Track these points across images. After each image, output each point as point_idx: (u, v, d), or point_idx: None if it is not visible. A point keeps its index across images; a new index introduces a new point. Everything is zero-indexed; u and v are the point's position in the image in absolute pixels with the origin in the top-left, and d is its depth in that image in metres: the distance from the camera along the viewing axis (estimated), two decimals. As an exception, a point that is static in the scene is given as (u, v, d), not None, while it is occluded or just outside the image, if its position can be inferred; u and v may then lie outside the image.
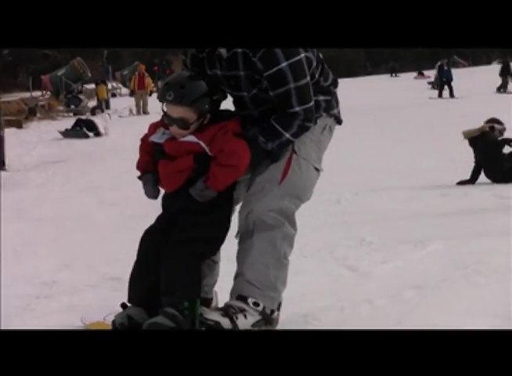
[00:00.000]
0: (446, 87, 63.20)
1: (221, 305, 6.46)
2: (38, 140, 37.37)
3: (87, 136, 39.26)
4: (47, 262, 12.02)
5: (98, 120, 43.40)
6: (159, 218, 6.28)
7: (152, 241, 6.15)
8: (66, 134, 39.81)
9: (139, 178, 6.30)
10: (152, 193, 6.21)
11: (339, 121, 6.56)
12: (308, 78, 6.07)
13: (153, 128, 6.27)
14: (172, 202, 6.19)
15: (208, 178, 5.94)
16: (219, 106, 6.28)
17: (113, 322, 6.15)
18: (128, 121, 45.86)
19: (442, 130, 22.72)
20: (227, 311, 5.83)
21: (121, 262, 10.84)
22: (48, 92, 61.57)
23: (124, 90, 68.45)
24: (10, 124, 39.29)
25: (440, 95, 61.16)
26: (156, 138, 6.11)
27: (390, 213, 14.68)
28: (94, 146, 33.19)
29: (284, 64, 5.83)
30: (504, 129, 19.71)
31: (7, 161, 26.99)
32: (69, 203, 19.22)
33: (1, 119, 29.09)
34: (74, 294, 10.11)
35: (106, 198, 12.73)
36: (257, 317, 5.90)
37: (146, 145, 6.29)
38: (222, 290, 6.83)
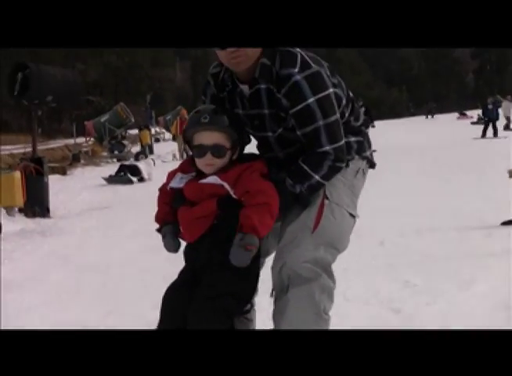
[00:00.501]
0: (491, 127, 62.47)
1: None
2: (82, 187, 37.52)
3: (131, 182, 39.57)
4: (92, 310, 12.09)
5: (142, 165, 43.74)
6: (182, 273, 6.05)
7: (176, 300, 5.84)
8: (110, 180, 39.96)
9: (158, 230, 6.09)
10: (172, 246, 5.96)
11: (372, 165, 6.33)
12: (338, 115, 5.83)
13: (172, 175, 6.08)
14: (195, 254, 5.90)
15: (242, 226, 5.55)
16: (244, 149, 6.06)
17: None
18: (172, 166, 45.87)
19: (486, 170, 22.77)
20: None
21: None
22: (92, 138, 62.03)
23: (168, 135, 68.94)
24: (54, 170, 39.47)
25: (484, 135, 60.72)
26: (175, 183, 5.91)
27: (434, 254, 14.37)
28: (138, 192, 33.58)
29: (312, 100, 5.58)
30: None
31: (51, 208, 27.04)
32: (113, 249, 18.86)
33: (45, 166, 28.95)
34: None
35: (150, 244, 12.94)
36: None
37: (165, 195, 6.11)
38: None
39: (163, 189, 6.05)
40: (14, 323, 11.46)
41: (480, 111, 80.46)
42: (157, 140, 68.85)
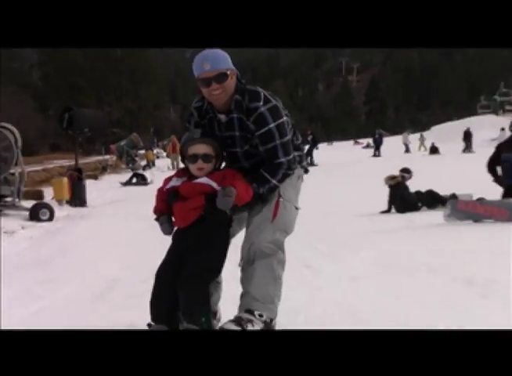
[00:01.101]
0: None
1: (223, 315, 6.16)
2: (108, 187, 37.68)
3: (140, 185, 39.31)
4: (114, 264, 12.25)
5: (147, 174, 43.98)
6: (169, 252, 5.75)
7: (166, 272, 5.56)
8: (126, 183, 40.04)
9: (156, 219, 5.89)
10: (168, 230, 5.73)
11: (306, 171, 6.19)
12: (290, 136, 5.71)
13: (167, 180, 5.86)
14: (183, 238, 5.65)
15: (224, 186, 5.48)
16: (221, 163, 5.92)
17: None
18: (167, 174, 46.01)
19: (372, 178, 23.25)
20: (239, 322, 5.29)
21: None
22: (115, 156, 62.04)
23: (164, 154, 68.95)
24: (90, 176, 39.30)
25: (374, 155, 61.40)
26: (173, 183, 5.70)
27: (335, 231, 14.64)
28: (144, 191, 32.81)
29: (272, 125, 5.45)
30: (410, 177, 19.43)
31: (87, 201, 27.53)
32: (126, 227, 19.02)
33: (83, 174, 29.17)
34: (132, 286, 10.06)
35: (151, 225, 12.88)
36: (261, 325, 5.38)
37: (161, 194, 5.86)
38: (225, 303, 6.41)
39: (160, 190, 5.87)
40: (66, 273, 12.05)
41: (369, 139, 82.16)
42: (157, 157, 68.66)
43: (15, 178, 21.49)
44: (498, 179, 15.63)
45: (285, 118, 5.59)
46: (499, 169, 15.62)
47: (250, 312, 5.34)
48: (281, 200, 5.66)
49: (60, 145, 64.84)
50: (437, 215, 15.73)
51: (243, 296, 5.54)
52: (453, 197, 16.91)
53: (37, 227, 19.63)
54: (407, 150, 65.30)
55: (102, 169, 52.79)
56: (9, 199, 21.40)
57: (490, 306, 7.25)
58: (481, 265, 9.52)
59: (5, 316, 8.00)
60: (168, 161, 57.03)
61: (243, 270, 5.59)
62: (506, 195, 15.02)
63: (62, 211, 23.47)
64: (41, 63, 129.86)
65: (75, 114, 29.45)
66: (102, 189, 34.73)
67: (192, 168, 5.54)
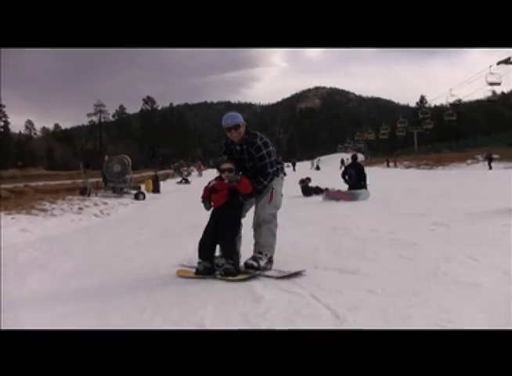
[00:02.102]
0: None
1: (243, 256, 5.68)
2: (170, 185, 35.39)
3: (185, 183, 37.79)
4: (174, 222, 11.73)
5: (189, 178, 41.88)
6: (209, 221, 5.57)
7: (209, 229, 5.45)
8: (178, 183, 38.16)
9: (202, 202, 5.68)
10: (208, 208, 5.60)
11: (285, 174, 6.03)
12: (274, 157, 5.66)
13: (209, 183, 5.72)
14: (216, 213, 5.51)
15: (240, 180, 5.51)
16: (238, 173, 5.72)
17: (197, 269, 5.39)
18: (197, 179, 45.00)
19: (293, 180, 22.30)
20: (255, 258, 5.38)
21: (200, 218, 11.57)
22: (173, 169, 60.90)
23: (195, 170, 66.39)
24: (162, 179, 38.49)
25: (293, 170, 56.03)
26: (213, 182, 5.62)
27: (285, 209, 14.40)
28: (187, 187, 32.53)
29: (264, 151, 5.51)
30: (310, 180, 18.28)
31: (161, 191, 26.51)
32: (180, 204, 18.66)
33: (159, 178, 28.61)
34: (181, 231, 10.26)
35: (193, 204, 12.38)
36: (266, 260, 5.42)
37: (206, 189, 5.65)
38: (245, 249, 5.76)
39: (206, 187, 5.68)
40: (150, 224, 12.12)
41: (289, 163, 67.95)
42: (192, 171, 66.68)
43: (128, 180, 22.56)
44: (346, 182, 16.62)
45: (271, 148, 5.59)
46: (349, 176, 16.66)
47: (261, 253, 5.45)
48: (273, 190, 5.65)
49: (148, 165, 63.77)
50: (319, 198, 15.86)
51: (256, 244, 5.58)
52: (327, 189, 16.79)
53: (137, 203, 19.67)
54: (312, 167, 62.77)
55: (168, 176, 52.60)
56: (125, 189, 21.99)
57: (343, 237, 7.56)
58: (339, 220, 9.78)
59: (120, 245, 8.17)
60: (196, 173, 56.79)
61: (255, 230, 5.62)
62: (349, 189, 16.14)
63: (148, 195, 22.80)
64: (140, 127, 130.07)
65: (155, 151, 30.56)
66: (167, 186, 32.92)
67: (222, 176, 5.57)
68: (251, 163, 5.61)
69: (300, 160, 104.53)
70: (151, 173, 37.26)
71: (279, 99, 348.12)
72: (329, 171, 52.21)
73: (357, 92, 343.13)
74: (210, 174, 48.55)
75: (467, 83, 60.25)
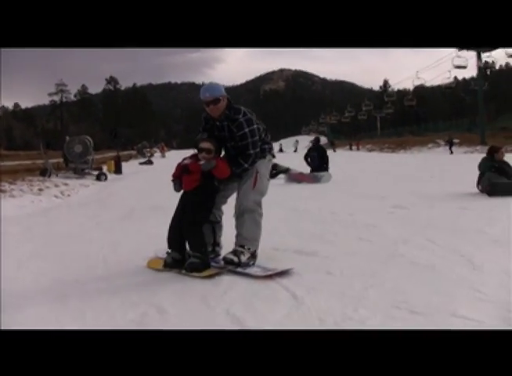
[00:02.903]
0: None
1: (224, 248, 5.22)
2: (133, 165, 35.08)
3: (148, 164, 37.56)
4: (136, 202, 11.82)
5: (152, 159, 41.50)
6: (178, 206, 5.02)
7: (178, 216, 4.90)
8: (141, 164, 37.97)
9: (172, 181, 5.10)
10: (178, 189, 5.02)
11: (273, 156, 5.36)
12: (257, 137, 4.97)
13: (183, 159, 5.11)
14: (187, 197, 4.94)
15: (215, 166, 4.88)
16: (220, 153, 5.14)
17: (165, 261, 4.90)
18: (160, 160, 44.65)
19: None
20: (235, 253, 4.77)
21: (162, 200, 11.41)
22: (136, 151, 60.52)
23: (158, 151, 65.41)
24: (124, 160, 38.04)
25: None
26: (186, 160, 5.01)
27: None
28: (150, 168, 32.49)
29: (246, 130, 4.87)
30: (289, 169, 16.98)
31: (123, 172, 26.42)
32: (142, 184, 18.67)
33: (121, 159, 28.54)
34: (143, 211, 10.45)
35: (153, 183, 12.36)
36: (249, 255, 4.80)
37: (179, 167, 5.06)
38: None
39: (178, 164, 5.10)
40: (111, 205, 12.21)
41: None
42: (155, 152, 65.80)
43: (89, 161, 22.44)
44: (308, 164, 16.79)
45: (255, 126, 4.96)
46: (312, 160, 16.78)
47: (242, 246, 4.84)
48: (258, 174, 5.01)
49: (111, 146, 63.16)
50: (281, 180, 15.63)
51: (237, 236, 4.98)
52: (288, 170, 16.66)
53: (98, 184, 19.59)
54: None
55: (130, 157, 52.06)
56: (86, 170, 21.84)
57: (304, 219, 7.68)
58: (300, 202, 9.88)
59: (80, 227, 8.15)
60: (160, 154, 56.08)
61: (236, 219, 5.00)
62: (311, 171, 16.30)
63: (110, 176, 22.90)
64: (103, 107, 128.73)
65: (118, 131, 30.21)
66: (130, 166, 32.54)
67: (199, 156, 4.96)
68: (232, 142, 5.03)
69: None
70: (113, 154, 36.88)
71: (243, 80, 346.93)
72: (291, 153, 52.25)
73: (321, 75, 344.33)
74: (174, 155, 48.10)
75: (433, 66, 60.81)
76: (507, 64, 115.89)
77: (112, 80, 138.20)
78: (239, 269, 4.70)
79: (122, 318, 3.58)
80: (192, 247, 4.81)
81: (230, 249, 4.93)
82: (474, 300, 3.64)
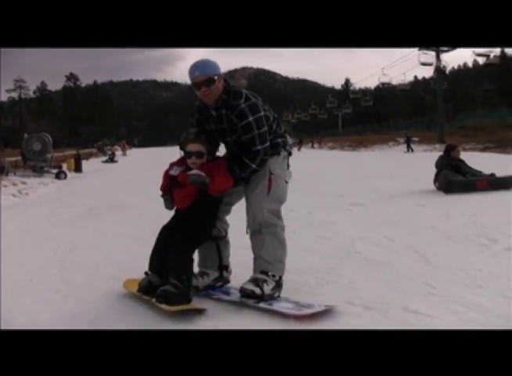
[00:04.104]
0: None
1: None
2: (94, 164, 34.28)
3: (115, 162, 37.59)
4: (95, 201, 11.73)
5: (116, 158, 41.12)
6: (171, 219, 4.00)
7: (165, 233, 3.89)
8: (104, 162, 37.67)
9: (162, 196, 4.08)
10: (170, 207, 4.00)
11: (290, 153, 4.25)
12: (266, 128, 3.87)
13: (171, 165, 4.06)
14: (180, 215, 3.92)
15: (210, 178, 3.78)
16: (216, 152, 4.09)
17: (139, 283, 3.85)
18: (122, 158, 44.32)
19: None
20: (256, 282, 3.72)
21: (122, 199, 11.55)
22: (96, 150, 59.76)
23: (119, 149, 65.01)
24: (84, 158, 37.74)
25: None
26: (173, 171, 3.97)
27: None
28: (112, 166, 32.20)
29: (251, 119, 3.77)
30: None
31: (83, 170, 25.91)
32: (101, 183, 18.38)
33: (81, 157, 28.31)
34: (102, 210, 10.59)
35: (114, 181, 12.20)
36: (273, 284, 3.78)
37: (166, 176, 4.06)
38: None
39: (166, 172, 4.08)
40: (70, 204, 12.15)
41: None
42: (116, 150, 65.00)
43: (48, 159, 22.16)
44: None
45: (262, 113, 3.88)
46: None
47: (265, 273, 3.81)
48: (272, 176, 3.96)
49: (71, 144, 62.03)
50: None
51: (256, 259, 3.93)
52: None
53: (58, 182, 19.25)
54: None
55: (91, 155, 51.56)
56: (45, 168, 21.55)
57: None
58: None
59: (37, 226, 8.03)
60: (121, 152, 54.85)
61: (252, 238, 3.95)
62: None
63: (70, 175, 22.50)
64: (63, 105, 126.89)
65: (77, 129, 29.68)
66: (91, 165, 32.13)
67: (188, 161, 3.93)
68: (234, 136, 3.98)
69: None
70: (73, 152, 36.48)
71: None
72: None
73: (283, 74, 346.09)
74: (135, 153, 47.91)
75: (395, 65, 61.47)
76: (465, 64, 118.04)
77: (72, 77, 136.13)
78: (262, 305, 3.63)
79: (78, 318, 3.52)
80: (172, 270, 3.68)
81: (236, 274, 4.16)
82: (425, 295, 3.72)
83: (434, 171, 10.78)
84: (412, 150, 39.06)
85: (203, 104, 3.99)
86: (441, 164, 10.73)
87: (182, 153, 3.99)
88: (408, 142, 40.25)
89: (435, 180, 10.69)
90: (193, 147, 3.89)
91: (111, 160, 39.29)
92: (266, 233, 3.85)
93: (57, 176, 20.77)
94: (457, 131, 45.30)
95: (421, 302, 3.51)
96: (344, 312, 3.43)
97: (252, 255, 3.94)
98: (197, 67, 3.82)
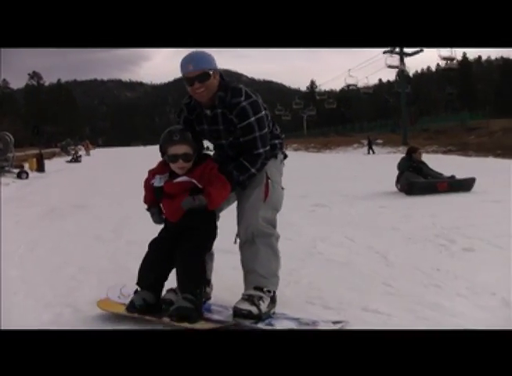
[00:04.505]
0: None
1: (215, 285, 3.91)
2: (58, 163, 34.01)
3: (79, 162, 37.46)
4: (54, 200, 11.91)
5: (80, 158, 40.59)
6: (161, 232, 3.57)
7: (161, 246, 3.46)
8: (68, 162, 37.55)
9: (147, 209, 3.63)
10: (159, 221, 3.57)
11: (285, 156, 3.90)
12: (267, 129, 3.56)
13: (152, 173, 3.60)
14: (175, 228, 3.46)
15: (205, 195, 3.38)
16: (201, 152, 3.59)
17: (132, 302, 3.34)
18: (85, 158, 44.05)
19: None
20: (252, 300, 3.30)
21: (85, 198, 11.45)
22: (60, 149, 58.92)
23: (83, 148, 64.20)
24: (46, 157, 37.16)
25: None
26: (156, 182, 3.49)
27: None
28: (77, 165, 31.92)
29: (252, 119, 3.42)
30: None
31: (46, 170, 25.91)
32: (63, 182, 18.28)
33: (43, 157, 28.18)
34: (65, 209, 10.42)
35: (73, 180, 12.24)
36: (269, 300, 3.41)
37: (148, 186, 3.59)
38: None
39: (147, 182, 3.62)
40: (32, 204, 11.96)
41: None
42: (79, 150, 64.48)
43: (10, 158, 21.88)
44: None
45: (264, 112, 3.55)
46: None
47: (260, 289, 3.43)
48: (270, 181, 3.58)
49: (34, 143, 61.03)
50: None
51: (249, 273, 3.53)
52: None
53: (19, 182, 19.14)
54: None
55: (53, 155, 50.82)
56: (6, 168, 21.30)
57: (226, 218, 7.90)
58: None
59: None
60: (84, 152, 54.16)
61: (243, 249, 3.57)
62: None
63: (32, 175, 22.46)
64: (25, 103, 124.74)
65: (39, 128, 29.24)
66: (54, 164, 31.97)
67: (174, 166, 3.46)
68: (231, 137, 3.62)
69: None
70: (35, 151, 36.03)
71: (171, 78, 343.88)
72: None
73: (249, 75, 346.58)
74: (99, 153, 47.46)
75: (362, 66, 62.17)
76: (429, 68, 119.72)
77: (35, 75, 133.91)
78: (261, 325, 3.23)
79: (36, 319, 3.46)
80: (183, 283, 3.35)
81: (219, 288, 3.86)
82: (385, 294, 3.77)
83: (396, 173, 10.89)
84: (373, 152, 39.36)
85: (196, 102, 3.60)
86: (403, 166, 10.88)
87: (166, 157, 3.50)
88: (369, 144, 40.53)
89: (397, 182, 10.85)
90: (180, 149, 3.41)
91: (75, 160, 39.18)
92: (260, 244, 3.49)
93: (19, 176, 20.55)
94: (421, 134, 45.95)
95: (380, 302, 3.54)
96: (303, 311, 3.44)
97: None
98: (191, 60, 3.40)
